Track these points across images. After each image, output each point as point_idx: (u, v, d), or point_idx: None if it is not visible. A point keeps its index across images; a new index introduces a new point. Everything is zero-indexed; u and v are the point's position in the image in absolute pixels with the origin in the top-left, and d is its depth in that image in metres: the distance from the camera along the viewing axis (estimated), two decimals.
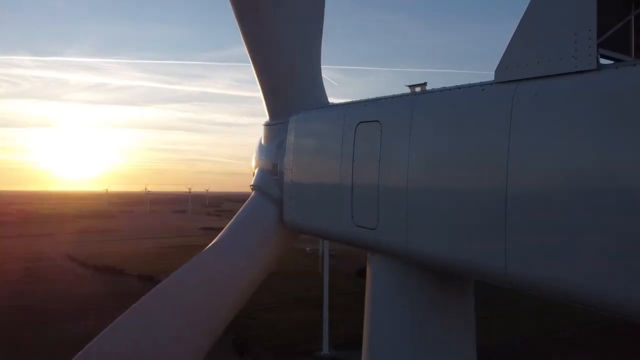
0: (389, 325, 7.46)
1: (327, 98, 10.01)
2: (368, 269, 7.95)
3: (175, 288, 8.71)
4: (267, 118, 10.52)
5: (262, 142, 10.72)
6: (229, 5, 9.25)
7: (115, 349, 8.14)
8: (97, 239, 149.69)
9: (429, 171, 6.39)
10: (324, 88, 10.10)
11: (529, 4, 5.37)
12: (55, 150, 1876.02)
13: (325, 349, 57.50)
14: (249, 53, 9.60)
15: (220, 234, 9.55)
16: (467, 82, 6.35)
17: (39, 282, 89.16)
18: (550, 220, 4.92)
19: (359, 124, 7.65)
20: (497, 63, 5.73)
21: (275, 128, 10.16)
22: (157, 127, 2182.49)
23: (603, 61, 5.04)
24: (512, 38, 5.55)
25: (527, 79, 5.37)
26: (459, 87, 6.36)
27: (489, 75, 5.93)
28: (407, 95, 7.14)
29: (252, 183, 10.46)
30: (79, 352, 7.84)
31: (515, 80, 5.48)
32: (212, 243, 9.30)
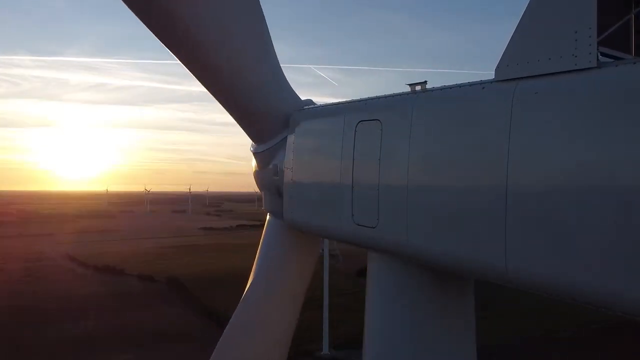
0: (389, 325, 7.45)
1: (298, 96, 9.91)
2: (368, 268, 7.95)
3: (240, 329, 10.33)
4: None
5: (256, 167, 10.81)
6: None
7: None
8: (97, 239, 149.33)
9: (429, 170, 6.37)
10: (292, 89, 9.90)
11: (530, 2, 5.35)
12: (55, 150, 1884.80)
13: (325, 349, 57.44)
14: (210, 92, 9.09)
15: (255, 267, 10.64)
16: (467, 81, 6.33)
17: (39, 282, 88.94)
18: (550, 218, 4.91)
19: (359, 122, 7.62)
20: (497, 62, 5.72)
21: (266, 154, 10.19)
22: (157, 127, 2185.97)
23: (603, 59, 5.03)
24: (512, 36, 5.54)
25: (528, 77, 5.35)
26: (459, 86, 6.35)
27: (489, 75, 5.92)
28: (407, 94, 7.10)
29: (263, 207, 11.23)
30: None
31: (516, 79, 5.46)
32: (251, 281, 10.48)
